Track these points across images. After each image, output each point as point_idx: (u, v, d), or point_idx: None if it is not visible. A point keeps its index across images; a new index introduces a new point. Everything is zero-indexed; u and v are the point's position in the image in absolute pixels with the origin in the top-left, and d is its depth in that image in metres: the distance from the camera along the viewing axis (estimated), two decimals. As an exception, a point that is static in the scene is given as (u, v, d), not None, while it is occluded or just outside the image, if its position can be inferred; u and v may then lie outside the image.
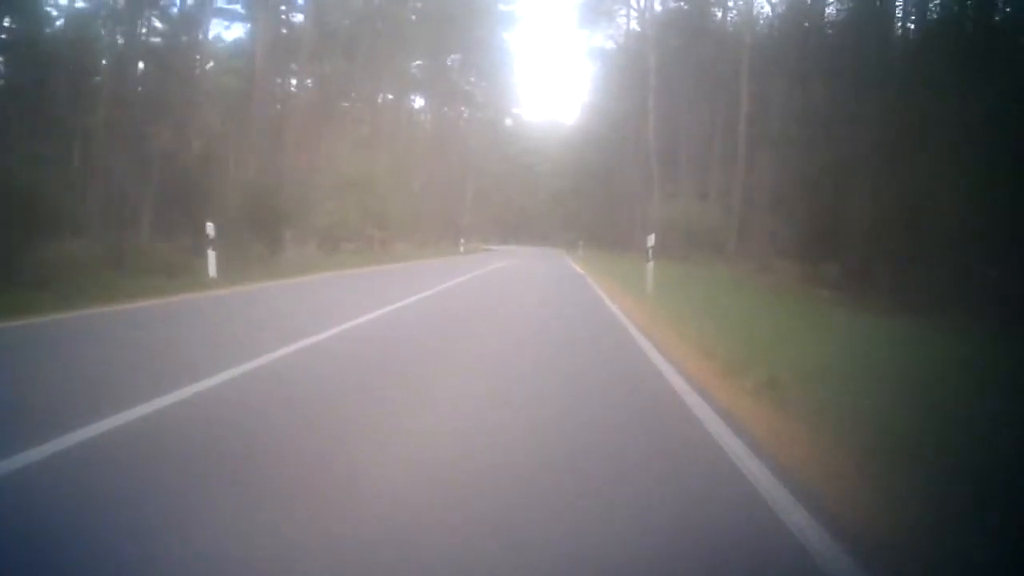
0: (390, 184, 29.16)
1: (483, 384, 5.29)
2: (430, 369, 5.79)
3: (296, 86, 42.43)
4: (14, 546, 2.30)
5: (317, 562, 2.25)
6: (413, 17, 47.07)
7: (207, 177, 17.88)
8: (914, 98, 12.41)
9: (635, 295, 12.78)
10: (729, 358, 5.92)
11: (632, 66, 38.37)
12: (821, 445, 3.64)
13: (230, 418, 3.98)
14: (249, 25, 38.93)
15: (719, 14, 36.65)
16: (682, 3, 36.51)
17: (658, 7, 38.53)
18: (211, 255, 12.78)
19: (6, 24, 25.28)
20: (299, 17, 39.80)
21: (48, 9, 27.41)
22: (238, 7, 39.70)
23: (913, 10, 17.41)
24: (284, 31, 40.15)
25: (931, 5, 16.15)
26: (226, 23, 48.46)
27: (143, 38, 33.89)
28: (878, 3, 17.68)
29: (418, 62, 50.94)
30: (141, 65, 29.56)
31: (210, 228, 12.85)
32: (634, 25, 42.84)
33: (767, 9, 32.37)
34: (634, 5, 41.99)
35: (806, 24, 23.70)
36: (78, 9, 28.93)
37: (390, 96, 49.77)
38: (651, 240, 13.95)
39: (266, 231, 18.49)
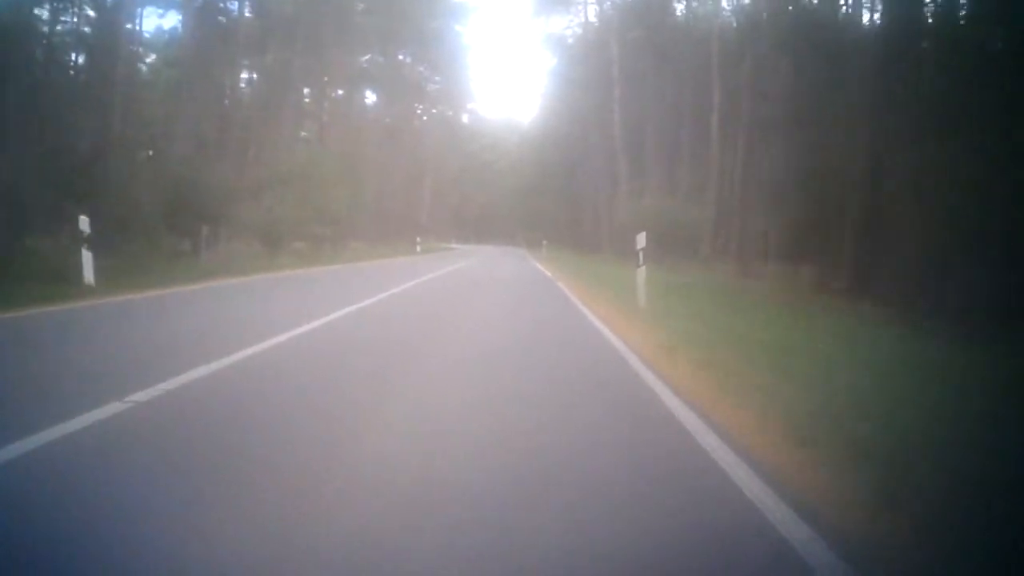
0: (336, 180, 26.57)
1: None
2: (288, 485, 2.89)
3: (244, 79, 39.77)
4: None
5: None
6: (361, 6, 44.47)
7: (99, 167, 14.99)
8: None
9: (625, 310, 10.29)
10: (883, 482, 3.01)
11: (594, 55, 36.42)
12: None
13: None
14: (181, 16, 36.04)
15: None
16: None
17: (619, -5, 36.50)
18: (86, 256, 9.97)
19: None
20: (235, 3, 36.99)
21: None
22: (171, -7, 36.60)
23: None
24: (221, 19, 37.33)
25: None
26: (160, 11, 44.80)
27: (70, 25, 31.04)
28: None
29: (367, 56, 48.35)
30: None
31: (84, 223, 9.96)
32: (592, 16, 40.99)
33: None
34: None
35: None
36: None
37: (340, 92, 47.11)
38: (641, 240, 11.06)
39: (184, 228, 15.81)
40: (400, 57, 51.27)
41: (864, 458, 3.32)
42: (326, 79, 44.41)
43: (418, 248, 39.29)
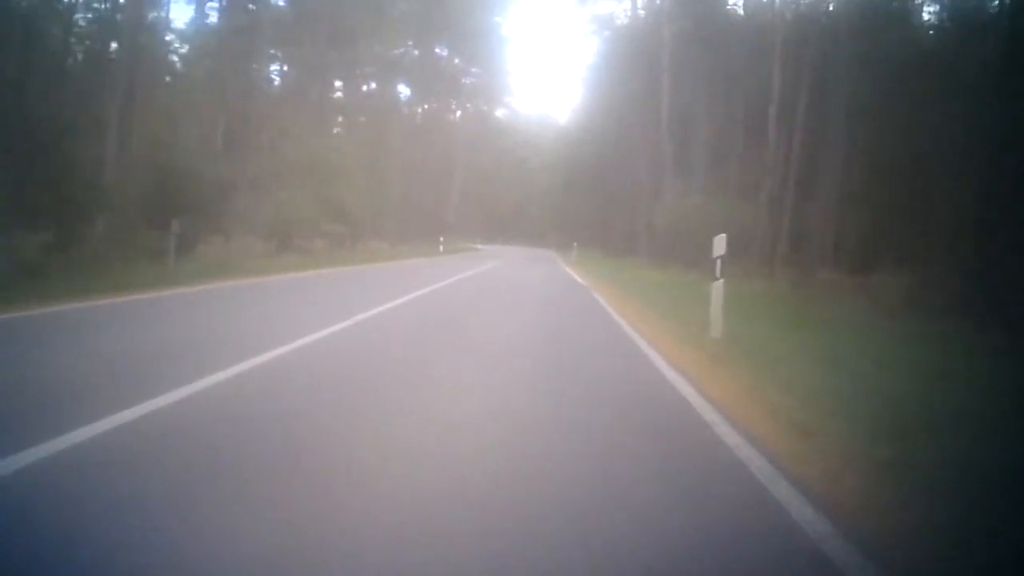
0: (354, 174, 24.48)
1: None
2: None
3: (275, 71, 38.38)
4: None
5: None
6: (398, -2, 42.58)
7: (61, 146, 12.99)
8: None
9: (692, 341, 7.51)
10: None
11: (643, 41, 33.79)
12: None
13: None
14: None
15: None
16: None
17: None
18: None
19: None
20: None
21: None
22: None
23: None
24: (251, 6, 35.76)
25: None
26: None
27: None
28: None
29: (401, 49, 46.37)
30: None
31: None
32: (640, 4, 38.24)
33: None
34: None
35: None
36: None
37: (373, 85, 45.26)
38: (720, 245, 8.18)
39: (160, 222, 13.84)
40: (436, 50, 49.33)
41: None
42: (358, 73, 42.64)
43: (440, 248, 37.13)
